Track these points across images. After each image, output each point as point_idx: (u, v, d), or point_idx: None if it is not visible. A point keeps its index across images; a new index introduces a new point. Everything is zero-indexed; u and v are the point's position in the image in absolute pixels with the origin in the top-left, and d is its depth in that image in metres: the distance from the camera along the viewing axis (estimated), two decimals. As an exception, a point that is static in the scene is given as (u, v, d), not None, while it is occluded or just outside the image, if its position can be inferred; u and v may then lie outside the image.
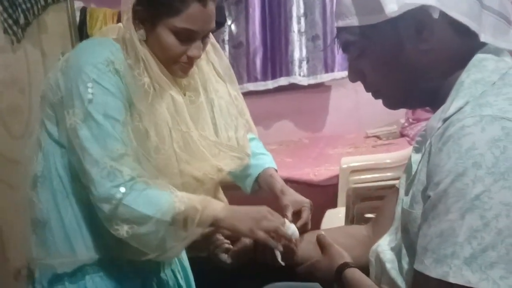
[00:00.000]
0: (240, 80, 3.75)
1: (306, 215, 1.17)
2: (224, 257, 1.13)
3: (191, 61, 1.12)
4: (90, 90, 1.03)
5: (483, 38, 0.70)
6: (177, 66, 1.11)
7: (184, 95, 1.18)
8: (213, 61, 1.27)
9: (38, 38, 2.17)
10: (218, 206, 1.06)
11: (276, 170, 1.33)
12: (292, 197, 1.22)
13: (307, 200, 1.22)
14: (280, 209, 1.19)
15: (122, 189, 1.00)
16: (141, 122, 1.08)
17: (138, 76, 1.07)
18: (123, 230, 1.01)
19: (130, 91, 1.07)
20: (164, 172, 1.10)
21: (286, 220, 1.04)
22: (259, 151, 1.33)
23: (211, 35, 1.16)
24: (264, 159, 1.32)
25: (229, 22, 3.67)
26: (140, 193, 1.02)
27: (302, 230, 1.12)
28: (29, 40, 2.17)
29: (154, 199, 1.02)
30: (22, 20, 2.13)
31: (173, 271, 1.28)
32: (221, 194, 1.29)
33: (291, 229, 1.03)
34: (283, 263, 1.02)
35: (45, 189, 1.12)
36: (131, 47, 1.08)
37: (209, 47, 1.22)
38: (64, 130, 1.08)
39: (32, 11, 2.13)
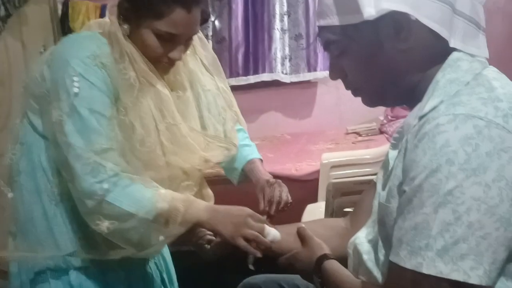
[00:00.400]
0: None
1: (267, 193, 1.23)
2: (207, 248, 1.14)
3: (172, 62, 1.13)
4: (76, 84, 1.02)
5: (452, 43, 0.72)
6: (158, 64, 1.12)
7: (171, 90, 1.18)
8: (200, 55, 1.28)
9: (19, 30, 2.14)
10: (201, 207, 1.06)
11: (261, 160, 1.36)
12: (259, 185, 1.26)
13: (276, 182, 1.27)
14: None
15: (105, 185, 1.00)
16: (126, 116, 1.07)
17: (124, 70, 1.07)
18: (103, 226, 1.01)
19: (116, 85, 1.06)
20: (150, 165, 1.09)
21: (266, 226, 1.05)
22: (243, 143, 1.35)
23: (193, 37, 1.16)
24: (247, 151, 1.34)
25: (212, 18, 3.66)
26: (123, 189, 1.02)
27: (276, 205, 1.20)
28: (9, 32, 2.14)
29: (137, 196, 1.02)
30: (2, 12, 2.09)
31: (156, 264, 1.28)
32: (207, 189, 1.29)
33: (271, 234, 1.04)
34: (252, 268, 1.05)
35: (27, 182, 1.11)
36: (116, 41, 1.07)
37: (196, 41, 1.22)
38: (48, 122, 1.07)
39: (13, 3, 2.09)
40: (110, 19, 1.09)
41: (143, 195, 1.03)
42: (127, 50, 1.07)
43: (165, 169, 1.12)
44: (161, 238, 1.05)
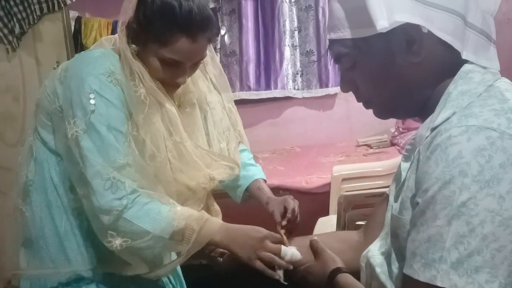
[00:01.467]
0: (232, 88, 3.77)
1: (291, 204, 1.21)
2: (219, 261, 1.14)
3: (176, 85, 1.14)
4: (92, 102, 1.02)
5: (465, 56, 0.73)
6: (164, 85, 1.12)
7: (179, 106, 1.19)
8: (209, 73, 1.29)
9: (33, 47, 2.18)
10: (215, 227, 1.05)
11: (265, 180, 1.36)
12: (275, 202, 1.25)
13: (287, 196, 1.26)
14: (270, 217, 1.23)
15: (124, 201, 1.00)
16: (138, 132, 1.08)
17: (134, 87, 1.08)
18: (116, 243, 1.00)
19: (129, 101, 1.07)
20: (158, 181, 1.10)
21: (283, 247, 1.04)
22: (249, 162, 1.36)
23: (210, 47, 1.17)
24: (253, 170, 1.35)
25: (222, 32, 3.70)
26: (142, 207, 1.02)
27: (293, 217, 1.18)
28: (24, 49, 2.18)
29: (154, 214, 1.02)
30: (17, 30, 2.14)
31: (168, 278, 1.28)
32: (214, 204, 1.30)
33: (289, 254, 1.04)
34: (285, 283, 1.03)
35: (38, 198, 1.11)
36: (125, 59, 1.08)
37: (207, 58, 1.22)
38: (61, 139, 1.07)
39: (27, 21, 2.14)
40: (119, 37, 1.10)
41: (160, 212, 1.03)
42: (135, 68, 1.08)
43: (173, 185, 1.13)
44: (174, 257, 1.05)
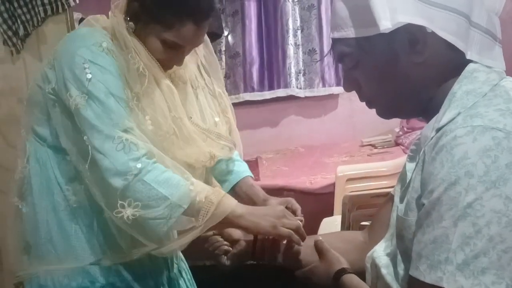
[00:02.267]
0: (236, 90, 3.78)
1: (297, 205, 1.22)
2: (223, 259, 1.14)
3: (171, 66, 1.13)
4: (87, 71, 1.00)
5: (469, 56, 0.72)
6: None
7: (171, 82, 1.17)
8: (201, 56, 1.28)
9: (37, 49, 2.18)
10: (233, 202, 1.04)
11: (253, 178, 1.34)
12: (276, 201, 1.25)
13: (289, 198, 1.25)
14: None
15: (142, 163, 0.97)
16: (139, 102, 1.06)
17: (132, 59, 1.06)
18: (127, 213, 0.96)
19: (124, 72, 1.05)
20: (158, 155, 1.06)
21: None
22: (236, 158, 1.33)
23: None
24: (242, 167, 1.33)
25: (225, 33, 3.70)
26: (162, 173, 0.99)
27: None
28: (28, 51, 2.18)
29: (174, 181, 0.99)
30: (21, 32, 2.14)
31: (180, 272, 1.27)
32: (214, 182, 1.28)
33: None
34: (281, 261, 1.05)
35: (44, 201, 1.09)
36: (120, 36, 1.07)
37: None
38: (59, 124, 1.05)
39: (31, 23, 2.14)
40: (113, 13, 1.09)
41: (180, 181, 1.00)
42: (131, 44, 1.07)
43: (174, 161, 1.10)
44: (187, 231, 1.02)
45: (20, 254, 1.13)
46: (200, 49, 1.27)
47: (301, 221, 1.20)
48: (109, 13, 1.13)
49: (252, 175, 1.34)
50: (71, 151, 1.06)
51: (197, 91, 1.24)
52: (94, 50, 1.03)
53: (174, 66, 1.16)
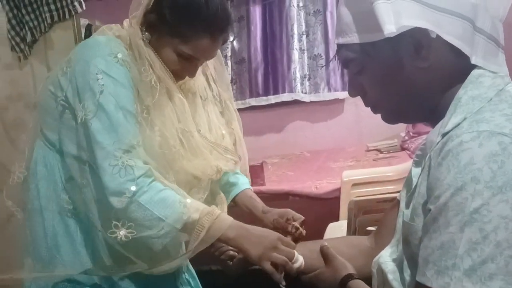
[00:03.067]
0: (242, 95, 3.80)
1: (297, 215, 1.20)
2: (229, 264, 1.14)
3: (183, 77, 1.14)
4: (100, 82, 1.00)
5: (474, 60, 0.72)
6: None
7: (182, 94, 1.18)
8: (211, 67, 1.29)
9: (44, 54, 2.20)
10: (226, 223, 1.03)
11: (251, 190, 1.34)
12: (274, 211, 1.24)
13: (288, 209, 1.25)
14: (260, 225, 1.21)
15: (135, 186, 0.97)
16: (149, 115, 1.06)
17: (144, 72, 1.06)
18: (120, 234, 0.97)
19: (136, 84, 1.06)
20: (166, 168, 1.08)
21: (296, 252, 1.02)
22: (237, 171, 1.34)
23: None
24: (241, 179, 1.33)
25: (231, 38, 3.71)
26: (157, 193, 0.99)
27: (301, 226, 1.18)
28: (35, 56, 2.20)
29: (169, 202, 0.99)
30: (29, 38, 2.16)
31: (186, 279, 1.27)
32: (220, 192, 1.28)
33: (299, 261, 1.02)
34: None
35: (50, 206, 1.09)
36: (135, 46, 1.08)
37: None
38: (68, 132, 1.05)
39: (39, 29, 2.16)
40: (130, 23, 1.09)
41: (175, 201, 1.00)
42: (146, 55, 1.07)
43: (179, 174, 1.11)
44: (181, 252, 1.03)
45: (23, 260, 1.13)
46: (211, 60, 1.27)
47: (301, 226, 1.21)
48: (124, 22, 1.14)
49: (250, 187, 1.34)
50: (72, 163, 1.06)
51: (206, 102, 1.24)
52: (109, 60, 1.03)
53: (186, 77, 1.17)
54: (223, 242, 1.04)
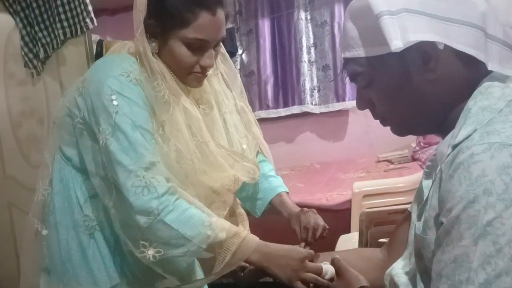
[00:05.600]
0: (252, 108, 3.79)
1: (303, 222, 1.22)
2: (240, 275, 1.13)
3: (204, 70, 1.12)
4: (114, 103, 1.01)
5: (490, 67, 0.71)
6: (191, 76, 1.12)
7: (198, 107, 1.18)
8: (221, 70, 1.28)
9: (57, 70, 2.23)
10: (252, 246, 1.02)
11: (287, 192, 1.34)
12: (295, 219, 1.25)
13: (307, 212, 1.25)
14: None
15: (158, 204, 0.97)
16: (164, 131, 1.06)
17: (157, 87, 1.07)
18: (149, 254, 0.98)
19: (151, 101, 1.06)
20: (184, 183, 1.07)
21: (323, 265, 1.02)
22: (270, 174, 1.33)
23: (221, 44, 1.16)
24: (275, 182, 1.33)
25: (240, 51, 3.74)
26: (183, 212, 0.99)
27: (322, 234, 1.20)
28: (48, 72, 2.23)
29: (195, 221, 0.99)
30: (42, 54, 2.19)
31: None
32: (239, 208, 1.27)
33: (329, 272, 1.01)
34: None
35: (64, 220, 1.10)
36: (146, 60, 1.08)
37: (219, 57, 1.22)
38: (87, 151, 1.06)
39: (51, 45, 2.19)
40: (137, 39, 1.10)
41: (202, 220, 1.00)
42: (157, 68, 1.07)
43: (196, 187, 1.10)
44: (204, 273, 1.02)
45: (38, 276, 1.13)
46: (221, 65, 1.27)
47: (326, 228, 1.22)
48: (135, 39, 1.13)
49: (286, 190, 1.34)
50: (97, 182, 1.07)
51: (225, 116, 1.24)
52: (122, 81, 1.03)
53: (200, 88, 1.16)
54: (249, 264, 1.04)
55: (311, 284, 1.01)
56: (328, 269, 1.02)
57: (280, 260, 1.02)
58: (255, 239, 1.05)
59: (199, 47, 1.08)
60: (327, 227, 1.26)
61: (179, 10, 1.05)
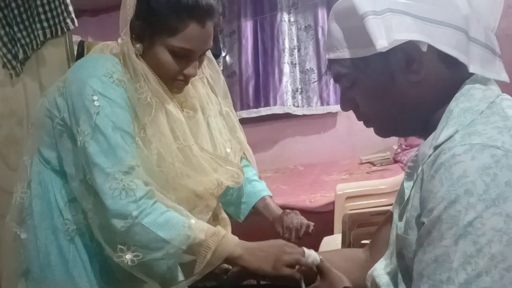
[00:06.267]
0: (233, 108, 3.80)
1: (295, 221, 1.23)
2: (223, 278, 1.12)
3: (187, 79, 1.11)
4: (96, 103, 0.99)
5: (472, 69, 0.72)
6: (173, 83, 1.10)
7: (182, 110, 1.16)
8: (207, 75, 1.27)
9: (36, 71, 2.19)
10: (232, 243, 1.01)
11: (271, 196, 1.34)
12: (278, 221, 1.26)
13: (283, 213, 1.26)
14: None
15: (138, 207, 0.96)
16: (146, 134, 1.05)
17: (140, 89, 1.05)
18: (126, 258, 0.96)
19: (133, 103, 1.04)
20: (164, 187, 1.06)
21: (305, 248, 1.02)
22: (253, 178, 1.32)
23: (206, 53, 1.15)
24: (258, 187, 1.32)
25: (223, 53, 3.73)
26: (161, 214, 0.98)
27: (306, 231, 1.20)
28: (27, 74, 2.19)
29: (173, 223, 0.98)
30: (21, 55, 2.15)
31: None
32: (222, 213, 1.26)
33: (312, 256, 1.01)
34: None
35: (43, 224, 1.08)
36: (130, 61, 1.06)
37: (205, 61, 1.21)
38: (66, 153, 1.04)
39: (31, 46, 2.15)
40: (122, 39, 1.08)
41: (180, 222, 0.98)
42: (140, 70, 1.06)
43: (179, 191, 1.09)
44: (188, 272, 1.01)
45: (18, 280, 1.10)
46: (206, 70, 1.26)
47: (311, 226, 1.23)
48: (119, 40, 1.12)
49: (270, 194, 1.34)
50: (75, 185, 1.05)
51: (209, 120, 1.22)
52: (105, 81, 1.02)
53: (184, 91, 1.15)
54: (230, 263, 1.02)
55: (297, 267, 1.00)
56: (310, 253, 1.01)
57: (260, 252, 1.01)
58: (234, 238, 1.04)
59: (184, 56, 1.07)
60: (313, 224, 1.26)
61: (169, 17, 1.04)
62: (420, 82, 0.74)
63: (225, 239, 1.01)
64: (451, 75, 0.73)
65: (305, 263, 1.00)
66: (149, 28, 1.05)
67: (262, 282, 1.10)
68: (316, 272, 0.99)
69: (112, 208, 0.96)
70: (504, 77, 0.75)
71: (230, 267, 1.10)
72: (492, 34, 0.75)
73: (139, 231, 0.96)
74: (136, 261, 0.96)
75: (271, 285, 1.05)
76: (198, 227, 1.00)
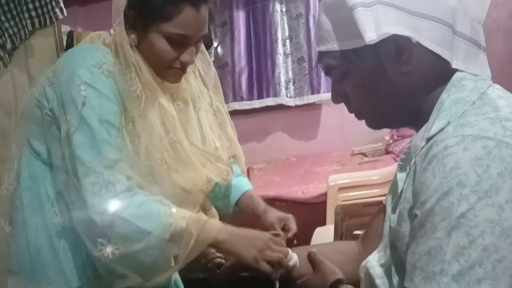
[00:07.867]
0: (225, 99, 3.78)
1: (294, 226, 1.19)
2: (216, 272, 1.11)
3: (184, 67, 1.09)
4: (83, 94, 0.98)
5: (455, 64, 0.72)
6: (170, 71, 1.09)
7: (173, 103, 1.15)
8: (199, 67, 1.25)
9: (25, 62, 2.16)
10: (215, 228, 1.01)
11: (252, 190, 1.34)
12: (274, 214, 1.24)
13: (289, 215, 1.24)
14: (263, 226, 1.21)
15: (118, 201, 0.95)
16: (134, 128, 1.03)
17: (130, 80, 1.04)
18: (107, 251, 0.95)
19: (123, 95, 1.03)
20: (150, 182, 1.05)
21: (289, 250, 1.02)
22: (238, 172, 1.32)
23: (201, 41, 1.13)
24: (243, 181, 1.32)
25: (215, 44, 3.71)
26: (140, 206, 0.97)
27: (292, 240, 1.16)
28: (15, 64, 2.16)
29: (154, 214, 0.97)
30: (9, 45, 2.12)
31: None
32: (211, 208, 1.26)
33: (293, 259, 1.02)
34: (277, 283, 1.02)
35: (33, 217, 1.06)
36: (122, 52, 1.04)
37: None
38: (54, 144, 1.03)
39: (19, 36, 2.12)
40: (115, 30, 1.06)
41: (160, 212, 0.97)
42: (133, 61, 1.04)
43: (168, 186, 1.08)
44: (172, 262, 1.00)
45: (6, 274, 1.09)
46: (199, 62, 1.24)
47: (293, 239, 1.20)
48: (111, 30, 1.10)
49: (251, 188, 1.33)
50: (60, 177, 1.04)
51: (199, 113, 1.21)
52: (94, 72, 1.00)
53: (179, 87, 1.14)
54: (215, 247, 1.02)
55: (275, 266, 1.00)
56: (293, 256, 1.02)
57: (245, 240, 1.01)
58: (217, 222, 1.03)
59: (180, 42, 1.05)
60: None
61: (162, 3, 1.02)
62: (410, 72, 0.73)
63: (207, 225, 1.00)
64: (441, 65, 0.73)
65: (285, 265, 1.00)
66: (143, 17, 1.04)
67: (241, 274, 1.10)
68: (293, 278, 1.00)
69: (92, 203, 0.95)
70: (486, 72, 0.75)
71: (223, 261, 1.10)
72: (479, 26, 0.75)
73: (119, 224, 0.95)
74: (117, 253, 0.95)
75: (264, 280, 1.05)
76: (179, 215, 0.99)
